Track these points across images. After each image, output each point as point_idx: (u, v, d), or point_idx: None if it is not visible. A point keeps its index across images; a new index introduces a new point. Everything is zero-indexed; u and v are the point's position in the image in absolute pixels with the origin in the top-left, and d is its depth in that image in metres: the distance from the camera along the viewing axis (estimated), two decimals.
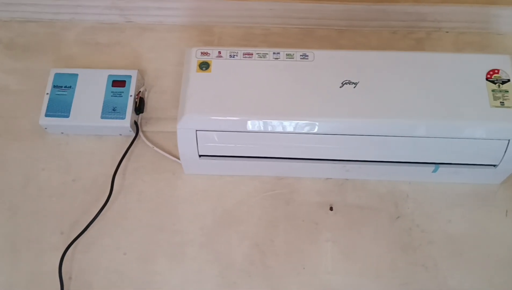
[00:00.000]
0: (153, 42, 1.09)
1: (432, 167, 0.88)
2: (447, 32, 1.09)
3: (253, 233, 0.89)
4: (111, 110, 0.93)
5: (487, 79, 0.84)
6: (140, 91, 0.98)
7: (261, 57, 0.87)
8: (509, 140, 0.83)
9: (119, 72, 0.97)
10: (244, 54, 0.87)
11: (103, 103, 0.93)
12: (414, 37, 1.09)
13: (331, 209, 0.91)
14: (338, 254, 0.88)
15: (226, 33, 1.10)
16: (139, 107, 0.97)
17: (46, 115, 0.93)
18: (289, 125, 0.82)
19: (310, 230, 0.90)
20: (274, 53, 0.87)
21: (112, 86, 0.96)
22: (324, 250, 0.88)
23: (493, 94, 0.83)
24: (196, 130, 0.82)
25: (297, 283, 0.86)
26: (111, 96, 0.95)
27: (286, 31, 1.11)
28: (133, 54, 1.07)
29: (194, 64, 0.86)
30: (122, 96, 0.95)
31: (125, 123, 0.92)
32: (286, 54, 0.87)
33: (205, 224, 0.90)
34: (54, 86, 0.96)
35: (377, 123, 0.82)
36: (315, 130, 0.83)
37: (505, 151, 0.84)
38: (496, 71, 0.85)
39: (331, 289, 0.86)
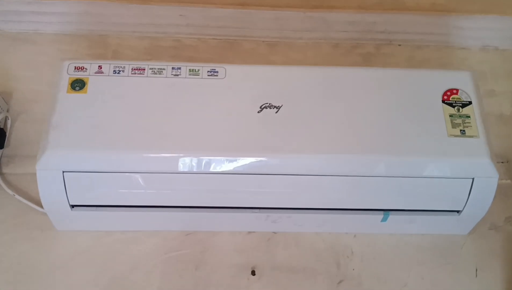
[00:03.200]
0: (27, 56, 1.01)
1: (381, 215, 0.83)
2: (399, 45, 1.08)
3: None
4: None
5: (443, 101, 0.81)
6: None
7: (156, 74, 0.81)
8: (473, 178, 0.78)
9: None
10: (133, 69, 0.80)
11: None
12: (360, 52, 1.07)
13: (253, 273, 0.84)
14: None
15: (124, 45, 1.04)
16: None
17: None
18: (194, 163, 0.76)
19: None
20: (173, 68, 0.81)
21: None
22: None
23: (451, 120, 0.79)
24: (63, 172, 0.75)
25: None
26: None
27: (203, 44, 1.06)
28: None
29: (65, 83, 0.79)
30: None
31: None
32: (189, 69, 0.81)
33: None
34: None
35: (307, 159, 0.78)
36: (227, 169, 0.76)
37: (469, 193, 0.79)
38: (454, 91, 0.82)
39: None
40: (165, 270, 0.84)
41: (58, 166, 0.74)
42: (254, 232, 0.87)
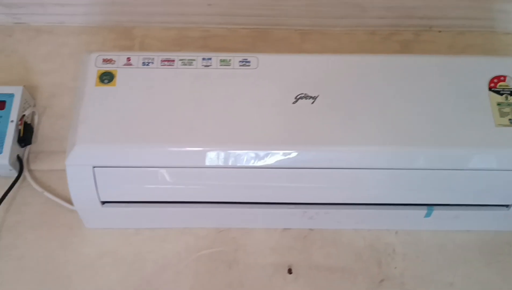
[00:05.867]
0: (51, 48, 1.03)
1: (424, 210, 0.83)
2: (440, 32, 1.07)
3: None
4: None
5: (490, 88, 0.80)
6: (24, 115, 0.89)
7: (185, 65, 0.82)
8: None
9: None
10: (162, 60, 0.82)
11: None
12: (398, 39, 1.06)
13: (289, 272, 0.85)
14: None
15: (151, 36, 1.06)
16: (25, 136, 0.90)
17: None
18: (226, 157, 0.76)
19: None
20: (204, 59, 0.82)
21: None
22: None
23: (499, 109, 0.79)
24: (94, 167, 0.76)
25: None
26: None
27: (233, 33, 1.07)
28: (21, 65, 1.01)
29: (93, 76, 0.80)
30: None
31: (3, 159, 0.85)
32: (220, 60, 0.82)
33: None
34: None
35: (345, 152, 0.78)
36: (262, 163, 0.77)
37: None
38: (502, 78, 0.81)
39: None
40: (197, 270, 0.84)
41: (88, 161, 0.76)
42: (290, 229, 0.88)
